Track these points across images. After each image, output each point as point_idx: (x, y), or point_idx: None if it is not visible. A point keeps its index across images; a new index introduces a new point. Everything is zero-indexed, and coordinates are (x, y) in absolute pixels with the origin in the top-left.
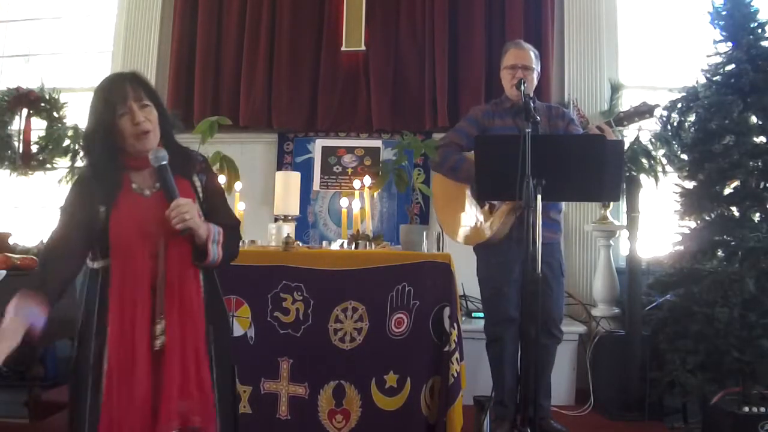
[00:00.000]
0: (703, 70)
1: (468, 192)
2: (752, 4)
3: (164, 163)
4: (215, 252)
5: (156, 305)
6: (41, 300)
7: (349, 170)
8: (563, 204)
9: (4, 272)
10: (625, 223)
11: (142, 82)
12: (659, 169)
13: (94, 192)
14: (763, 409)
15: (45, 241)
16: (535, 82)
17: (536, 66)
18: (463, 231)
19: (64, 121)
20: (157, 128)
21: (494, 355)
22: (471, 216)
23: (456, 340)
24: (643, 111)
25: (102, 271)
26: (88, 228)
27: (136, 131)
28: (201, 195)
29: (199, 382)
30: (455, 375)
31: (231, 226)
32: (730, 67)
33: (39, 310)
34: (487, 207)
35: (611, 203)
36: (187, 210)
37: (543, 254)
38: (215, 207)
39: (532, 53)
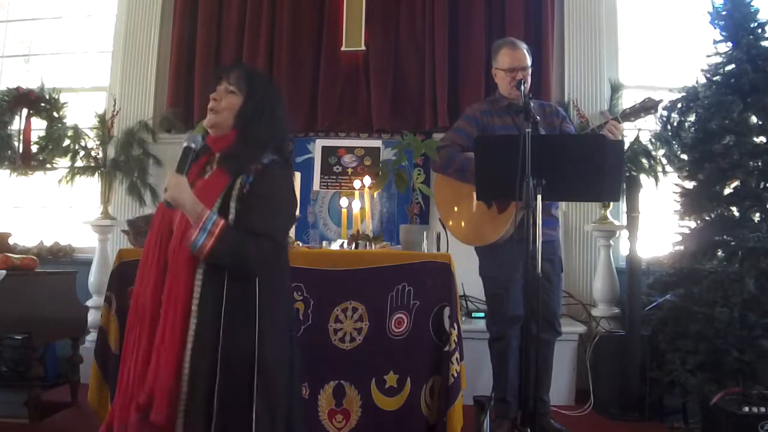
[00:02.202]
0: (703, 70)
1: (473, 192)
2: (752, 4)
3: (191, 145)
4: (199, 239)
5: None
6: None
7: (349, 170)
8: (562, 202)
9: (4, 272)
10: (625, 223)
11: (243, 72)
12: (659, 169)
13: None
14: (763, 409)
15: None
16: (530, 78)
17: (530, 62)
18: (468, 232)
19: (64, 121)
20: (228, 115)
21: (498, 353)
22: (477, 217)
23: (456, 340)
24: (649, 107)
25: None
26: None
27: (209, 106)
28: (234, 194)
29: (163, 374)
30: (455, 375)
31: (253, 232)
32: (730, 67)
33: None
34: (494, 207)
35: (611, 203)
36: (169, 183)
37: (545, 252)
38: (245, 210)
39: (526, 50)
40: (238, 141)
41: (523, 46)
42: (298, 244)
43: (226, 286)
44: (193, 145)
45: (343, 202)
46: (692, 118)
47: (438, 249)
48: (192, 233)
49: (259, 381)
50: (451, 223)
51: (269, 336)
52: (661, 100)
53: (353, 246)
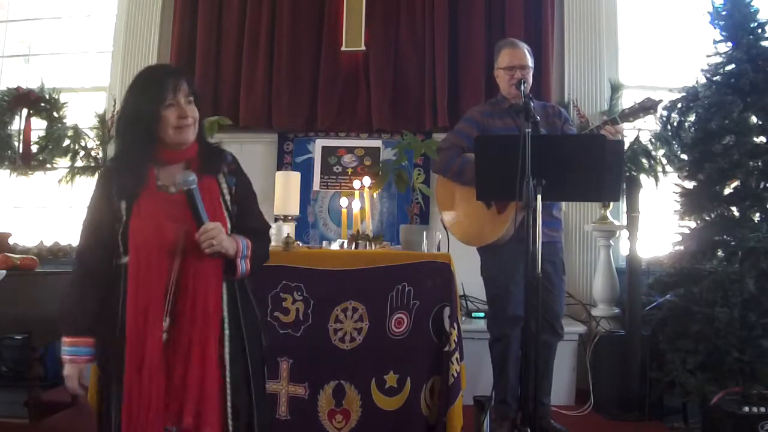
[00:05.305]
0: (703, 70)
1: (473, 193)
2: (752, 4)
3: (194, 186)
4: (243, 267)
5: (168, 303)
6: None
7: (349, 170)
8: (563, 203)
9: (4, 272)
10: (625, 223)
11: (189, 80)
12: (659, 169)
13: (115, 187)
14: (763, 409)
15: (74, 257)
16: (531, 79)
17: (531, 63)
18: (469, 232)
19: (64, 121)
20: (196, 125)
21: (498, 354)
22: (477, 217)
23: (456, 340)
24: (648, 107)
25: (124, 268)
26: (111, 228)
27: (179, 123)
28: (228, 197)
29: (201, 383)
30: (455, 375)
31: (259, 231)
32: (730, 67)
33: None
34: (494, 208)
35: (611, 203)
36: (214, 235)
37: (547, 253)
38: (245, 211)
39: (527, 51)
40: (202, 144)
41: (524, 46)
42: (298, 244)
43: (238, 289)
44: (194, 186)
45: (343, 202)
46: (692, 118)
47: (438, 249)
48: (238, 265)
49: (265, 370)
50: (451, 223)
51: (263, 325)
52: (660, 101)
53: (353, 246)
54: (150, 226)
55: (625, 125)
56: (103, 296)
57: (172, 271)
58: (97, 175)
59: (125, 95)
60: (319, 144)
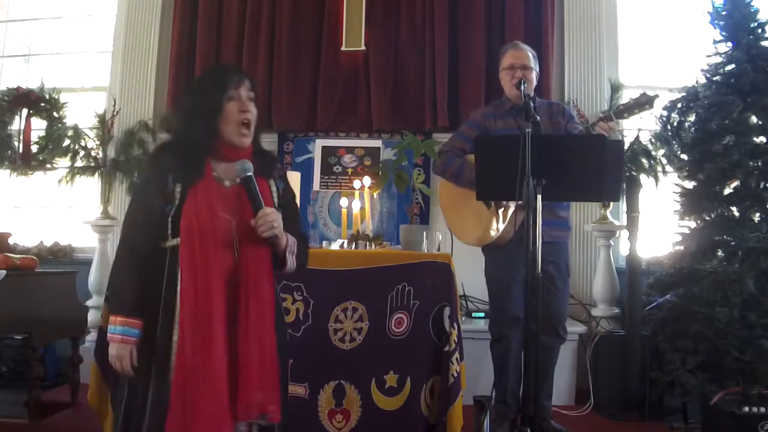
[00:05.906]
0: (703, 70)
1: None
2: (752, 4)
3: (250, 174)
4: (291, 262)
5: (230, 296)
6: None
7: (349, 170)
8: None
9: (4, 272)
10: (625, 223)
11: (251, 79)
12: (659, 169)
13: (171, 170)
14: (763, 409)
15: (121, 239)
16: (535, 81)
17: (535, 66)
18: (470, 232)
19: (64, 121)
20: (254, 124)
21: (498, 354)
22: (478, 217)
23: (456, 340)
24: (644, 102)
25: (171, 251)
26: (161, 210)
27: (240, 119)
28: (276, 201)
29: (273, 373)
30: (455, 375)
31: (302, 237)
32: (730, 67)
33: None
34: (493, 207)
35: (611, 203)
36: (274, 218)
37: (550, 254)
38: (289, 217)
39: (530, 53)
40: (257, 148)
41: (527, 48)
42: None
43: (277, 286)
44: (251, 173)
45: (343, 202)
46: (692, 118)
47: (438, 249)
48: (288, 260)
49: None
50: (454, 224)
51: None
52: (656, 96)
53: (353, 246)
54: (206, 212)
55: (626, 124)
56: (147, 279)
57: (232, 265)
58: (149, 159)
59: (189, 87)
60: (319, 144)
